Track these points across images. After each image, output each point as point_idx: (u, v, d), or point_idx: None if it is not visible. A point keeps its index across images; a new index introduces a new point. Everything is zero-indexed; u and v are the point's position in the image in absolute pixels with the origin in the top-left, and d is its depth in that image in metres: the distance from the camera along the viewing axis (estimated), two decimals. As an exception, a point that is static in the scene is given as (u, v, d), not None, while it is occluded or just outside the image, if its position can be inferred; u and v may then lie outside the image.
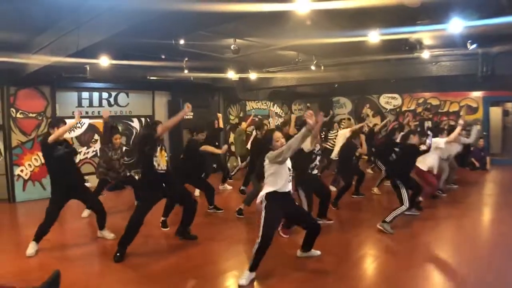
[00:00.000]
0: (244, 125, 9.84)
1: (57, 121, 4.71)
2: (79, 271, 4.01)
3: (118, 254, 4.27)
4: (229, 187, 8.40)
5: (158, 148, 4.48)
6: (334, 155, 7.86)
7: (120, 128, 6.78)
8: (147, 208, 4.45)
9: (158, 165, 4.46)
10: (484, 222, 6.01)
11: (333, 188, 7.35)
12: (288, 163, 3.77)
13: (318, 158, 5.41)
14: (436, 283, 3.77)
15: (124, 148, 6.86)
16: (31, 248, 4.45)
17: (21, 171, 7.54)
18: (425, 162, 6.19)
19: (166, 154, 4.61)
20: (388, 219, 5.11)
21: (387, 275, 3.89)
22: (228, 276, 3.91)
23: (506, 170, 10.21)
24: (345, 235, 5.14)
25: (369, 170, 10.00)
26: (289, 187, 3.78)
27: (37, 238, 4.52)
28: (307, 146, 5.17)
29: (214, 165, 8.92)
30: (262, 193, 3.74)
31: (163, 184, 4.58)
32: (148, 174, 4.52)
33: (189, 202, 4.84)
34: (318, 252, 4.31)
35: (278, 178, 3.68)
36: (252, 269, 3.69)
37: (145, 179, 4.65)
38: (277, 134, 3.81)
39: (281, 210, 3.77)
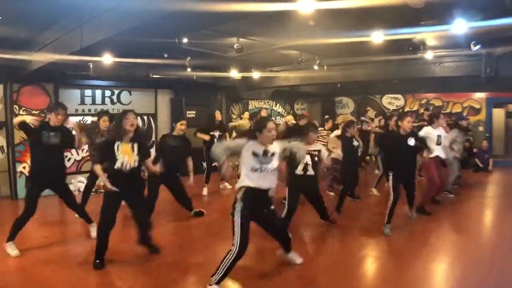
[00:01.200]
0: (246, 115, 9.92)
1: (56, 106, 4.44)
2: (79, 269, 4.00)
3: (96, 261, 3.90)
4: (229, 186, 8.38)
5: (121, 145, 3.90)
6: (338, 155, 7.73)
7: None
8: (110, 209, 3.94)
9: (122, 164, 3.88)
10: (486, 224, 6.00)
11: (331, 193, 7.30)
12: (250, 158, 3.34)
13: (314, 157, 4.87)
14: (437, 284, 3.76)
15: None
16: (11, 250, 4.22)
17: (24, 168, 7.56)
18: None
19: (135, 153, 3.97)
20: (385, 220, 5.06)
21: (388, 276, 3.89)
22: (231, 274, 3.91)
23: (508, 172, 10.19)
24: (346, 236, 5.13)
25: (376, 172, 9.90)
26: (265, 185, 3.42)
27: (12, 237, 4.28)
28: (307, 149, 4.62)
29: (216, 163, 8.90)
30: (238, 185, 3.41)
31: (126, 186, 3.93)
32: (109, 170, 3.93)
33: (141, 222, 4.18)
34: (299, 261, 4.00)
35: (245, 175, 3.40)
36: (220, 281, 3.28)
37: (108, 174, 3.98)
38: (271, 125, 3.41)
39: (251, 212, 3.36)
